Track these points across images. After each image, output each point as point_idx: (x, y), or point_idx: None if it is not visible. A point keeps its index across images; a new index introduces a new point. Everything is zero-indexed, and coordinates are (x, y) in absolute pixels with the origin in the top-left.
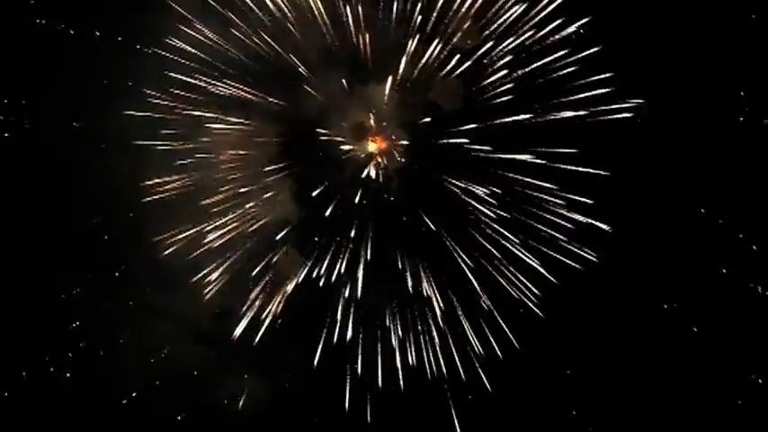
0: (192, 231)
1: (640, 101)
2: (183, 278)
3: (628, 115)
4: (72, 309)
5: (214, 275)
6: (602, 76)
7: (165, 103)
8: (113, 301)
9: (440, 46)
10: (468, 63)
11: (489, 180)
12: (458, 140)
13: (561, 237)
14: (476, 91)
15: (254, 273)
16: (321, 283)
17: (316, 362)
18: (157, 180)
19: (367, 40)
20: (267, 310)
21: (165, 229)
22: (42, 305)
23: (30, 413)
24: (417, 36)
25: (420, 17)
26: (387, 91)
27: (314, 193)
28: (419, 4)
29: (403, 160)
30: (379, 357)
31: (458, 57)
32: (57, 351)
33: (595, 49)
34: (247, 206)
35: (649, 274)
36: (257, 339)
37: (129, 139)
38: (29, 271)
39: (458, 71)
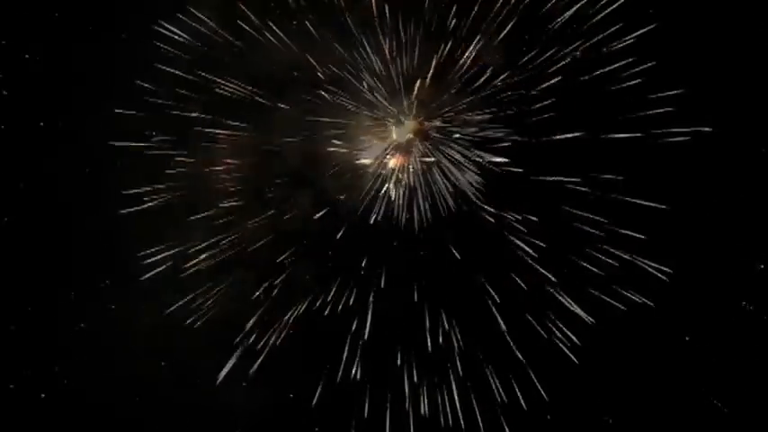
0: (179, 249)
1: (708, 129)
2: (193, 285)
3: (686, 138)
4: (82, 309)
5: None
6: (664, 94)
7: (159, 101)
8: (123, 303)
9: (473, 55)
10: (507, 74)
11: (524, 207)
12: (491, 159)
13: (604, 275)
14: (513, 104)
15: (252, 297)
16: (326, 314)
17: (314, 402)
18: (159, 186)
19: (394, 42)
20: (262, 342)
21: (162, 241)
22: (52, 304)
23: (32, 411)
24: (450, 42)
25: (454, 21)
26: (413, 100)
27: (320, 214)
28: (454, 6)
29: (427, 178)
30: (388, 403)
31: (491, 70)
32: (63, 350)
33: (656, 62)
34: (248, 223)
35: (694, 317)
36: (252, 371)
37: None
38: (38, 269)
39: (494, 83)
